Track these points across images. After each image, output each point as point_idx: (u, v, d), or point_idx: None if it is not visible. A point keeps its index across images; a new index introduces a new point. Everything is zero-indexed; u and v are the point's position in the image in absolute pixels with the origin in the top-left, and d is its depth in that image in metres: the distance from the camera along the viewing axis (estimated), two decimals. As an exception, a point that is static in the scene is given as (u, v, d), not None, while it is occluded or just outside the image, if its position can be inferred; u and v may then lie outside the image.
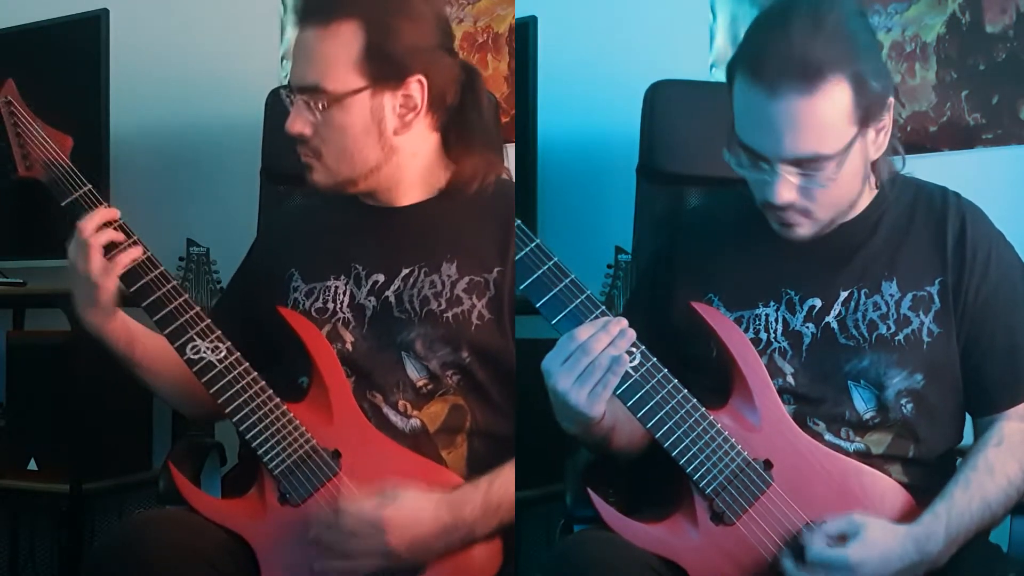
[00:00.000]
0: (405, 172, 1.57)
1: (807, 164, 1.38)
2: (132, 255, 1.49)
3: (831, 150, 1.38)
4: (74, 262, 1.48)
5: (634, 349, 1.39)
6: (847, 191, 1.45)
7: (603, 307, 1.40)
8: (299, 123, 1.52)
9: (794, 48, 1.34)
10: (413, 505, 1.41)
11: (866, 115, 1.39)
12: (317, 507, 1.44)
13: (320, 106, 1.49)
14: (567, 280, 1.41)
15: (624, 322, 1.37)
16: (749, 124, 1.40)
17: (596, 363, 1.34)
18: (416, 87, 1.52)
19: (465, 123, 1.59)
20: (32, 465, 2.37)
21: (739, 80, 1.39)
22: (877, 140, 1.44)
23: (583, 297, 1.40)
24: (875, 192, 1.52)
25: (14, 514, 2.68)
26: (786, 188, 1.40)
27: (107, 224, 1.49)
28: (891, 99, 1.43)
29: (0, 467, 2.41)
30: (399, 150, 1.55)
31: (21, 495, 2.44)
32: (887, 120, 1.43)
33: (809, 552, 1.34)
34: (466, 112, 1.59)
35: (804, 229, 1.46)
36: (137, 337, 1.57)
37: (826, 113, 1.36)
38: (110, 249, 1.48)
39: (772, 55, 1.35)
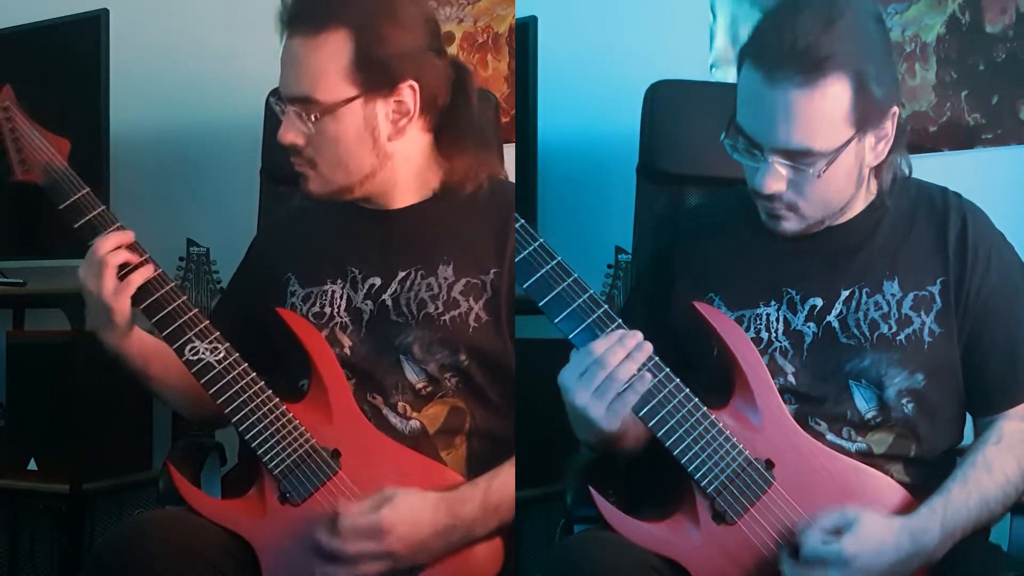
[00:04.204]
0: (400, 176, 1.56)
1: (797, 157, 1.38)
2: (144, 275, 1.48)
3: (823, 147, 1.37)
4: (86, 281, 1.47)
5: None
6: (838, 192, 1.45)
7: (619, 320, 1.39)
8: (291, 134, 1.50)
9: (799, 39, 1.33)
10: (412, 507, 1.40)
11: (864, 119, 1.38)
12: (317, 507, 1.44)
13: (312, 117, 1.48)
14: (570, 280, 1.41)
15: (639, 335, 1.37)
16: (747, 109, 1.41)
17: (613, 376, 1.34)
18: (408, 92, 1.51)
19: (457, 122, 1.58)
20: (32, 465, 2.36)
21: (745, 65, 1.39)
22: (877, 148, 1.43)
23: (600, 312, 1.39)
24: (873, 195, 1.52)
25: (14, 514, 2.67)
26: (774, 178, 1.40)
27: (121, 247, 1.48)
28: (895, 108, 1.42)
29: (0, 467, 2.41)
30: (393, 155, 1.54)
31: (21, 495, 2.44)
32: (889, 129, 1.42)
33: (804, 548, 1.34)
34: (457, 111, 1.58)
35: (791, 224, 1.46)
36: (154, 354, 1.57)
37: (822, 109, 1.35)
38: (122, 268, 1.47)
39: (777, 44, 1.35)
